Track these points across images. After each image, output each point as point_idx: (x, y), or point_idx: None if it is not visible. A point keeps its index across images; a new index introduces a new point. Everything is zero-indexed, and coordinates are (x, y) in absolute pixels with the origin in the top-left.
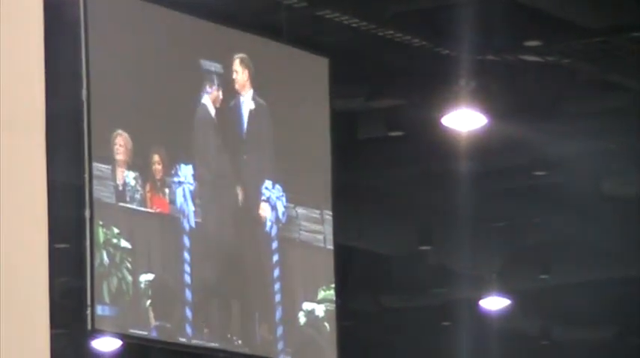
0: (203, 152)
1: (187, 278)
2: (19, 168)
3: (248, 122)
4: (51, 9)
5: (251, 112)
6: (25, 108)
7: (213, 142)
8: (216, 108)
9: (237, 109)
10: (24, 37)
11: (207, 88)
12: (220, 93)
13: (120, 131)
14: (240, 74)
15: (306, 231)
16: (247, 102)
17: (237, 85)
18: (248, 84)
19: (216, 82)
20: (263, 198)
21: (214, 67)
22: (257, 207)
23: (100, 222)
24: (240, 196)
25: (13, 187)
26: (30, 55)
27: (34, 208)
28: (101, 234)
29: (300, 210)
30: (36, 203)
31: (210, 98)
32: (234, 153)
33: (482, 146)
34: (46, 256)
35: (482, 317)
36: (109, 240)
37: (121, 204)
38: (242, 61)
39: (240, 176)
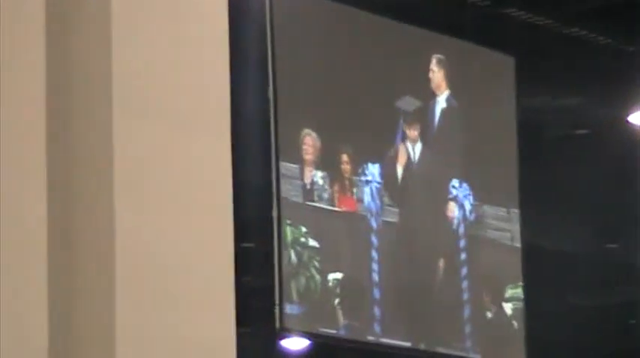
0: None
1: (375, 277)
2: (205, 168)
3: (439, 122)
4: (236, 9)
5: (443, 112)
6: (211, 109)
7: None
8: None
9: (430, 109)
10: (209, 37)
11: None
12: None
13: (308, 130)
14: (436, 73)
15: (494, 229)
16: (441, 102)
17: (432, 84)
18: (444, 84)
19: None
20: (450, 196)
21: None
22: (445, 205)
23: (288, 221)
24: (429, 196)
25: (200, 187)
26: (215, 54)
27: (220, 208)
28: (289, 232)
29: (487, 208)
30: (222, 202)
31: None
32: (426, 153)
33: None
34: (232, 255)
35: None
36: (297, 238)
37: (309, 203)
38: (439, 61)
39: (430, 175)
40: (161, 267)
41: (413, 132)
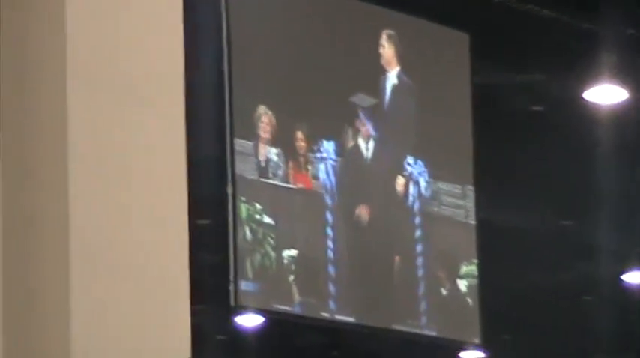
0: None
1: (331, 254)
2: (159, 145)
3: (390, 98)
4: None
5: (394, 88)
6: (165, 85)
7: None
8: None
9: (382, 85)
10: (163, 11)
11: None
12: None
13: (263, 107)
14: (387, 49)
15: (448, 206)
16: (392, 78)
17: (383, 60)
18: (394, 60)
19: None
20: (405, 173)
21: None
22: (399, 182)
23: (243, 198)
24: (382, 171)
25: (154, 164)
26: (169, 29)
27: (174, 185)
28: (244, 209)
29: (442, 185)
30: (176, 180)
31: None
32: (378, 130)
33: (624, 120)
34: (186, 232)
35: (624, 291)
36: (252, 215)
37: (264, 179)
38: (389, 37)
39: (382, 151)
40: (115, 244)
41: (367, 130)
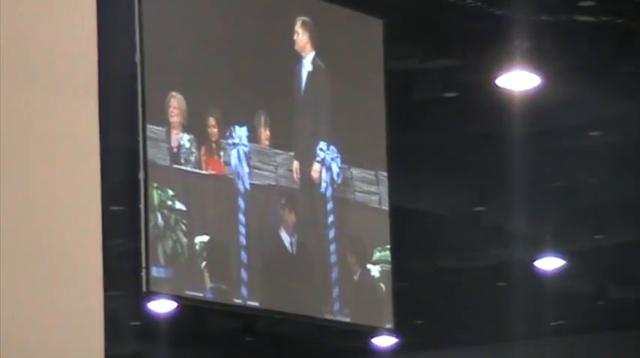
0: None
1: (243, 240)
2: (72, 132)
3: (306, 84)
4: None
5: (309, 74)
6: (77, 72)
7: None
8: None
9: (297, 71)
10: (77, 1)
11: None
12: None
13: (174, 93)
14: (301, 36)
15: (361, 192)
16: (307, 64)
17: (297, 46)
18: (309, 46)
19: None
20: (317, 159)
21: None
22: (312, 168)
23: (155, 184)
24: (295, 157)
25: (67, 151)
26: (82, 17)
27: (87, 171)
28: (155, 196)
29: (355, 171)
30: (89, 166)
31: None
32: (291, 115)
33: (537, 106)
34: (99, 218)
35: (537, 277)
36: (164, 201)
37: (176, 166)
38: (304, 24)
39: (295, 138)
40: (27, 230)
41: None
